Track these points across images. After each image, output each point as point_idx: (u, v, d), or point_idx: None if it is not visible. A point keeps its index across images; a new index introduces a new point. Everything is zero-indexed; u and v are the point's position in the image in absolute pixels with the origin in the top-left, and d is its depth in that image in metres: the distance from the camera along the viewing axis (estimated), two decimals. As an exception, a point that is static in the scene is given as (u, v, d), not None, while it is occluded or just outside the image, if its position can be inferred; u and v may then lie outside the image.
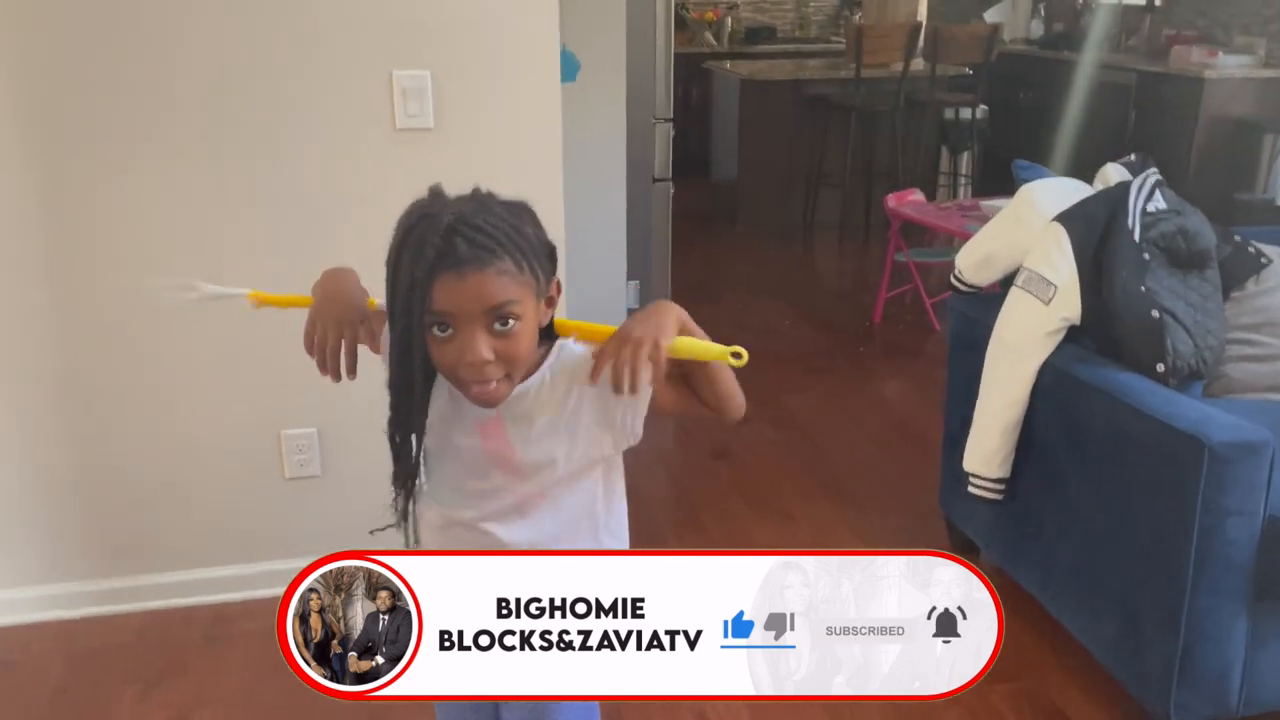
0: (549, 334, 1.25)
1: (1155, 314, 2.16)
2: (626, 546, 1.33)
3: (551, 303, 1.19)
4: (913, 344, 4.57)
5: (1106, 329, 2.20)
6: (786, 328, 4.69)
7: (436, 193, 1.14)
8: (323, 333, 1.22)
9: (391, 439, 1.19)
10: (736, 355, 1.11)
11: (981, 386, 2.37)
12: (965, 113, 6.33)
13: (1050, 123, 6.28)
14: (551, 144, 2.39)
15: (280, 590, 2.45)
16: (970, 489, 2.40)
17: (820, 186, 6.60)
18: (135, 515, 2.45)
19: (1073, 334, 2.26)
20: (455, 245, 1.07)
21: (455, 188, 1.17)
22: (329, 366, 1.21)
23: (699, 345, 1.14)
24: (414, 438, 1.19)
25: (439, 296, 1.07)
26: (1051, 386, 2.23)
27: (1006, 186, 2.74)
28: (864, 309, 4.91)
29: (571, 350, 1.22)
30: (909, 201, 4.61)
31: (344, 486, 2.49)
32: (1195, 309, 2.30)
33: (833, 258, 6.41)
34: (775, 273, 5.89)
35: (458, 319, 1.08)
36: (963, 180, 6.56)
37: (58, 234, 2.25)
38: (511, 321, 1.10)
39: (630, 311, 4.57)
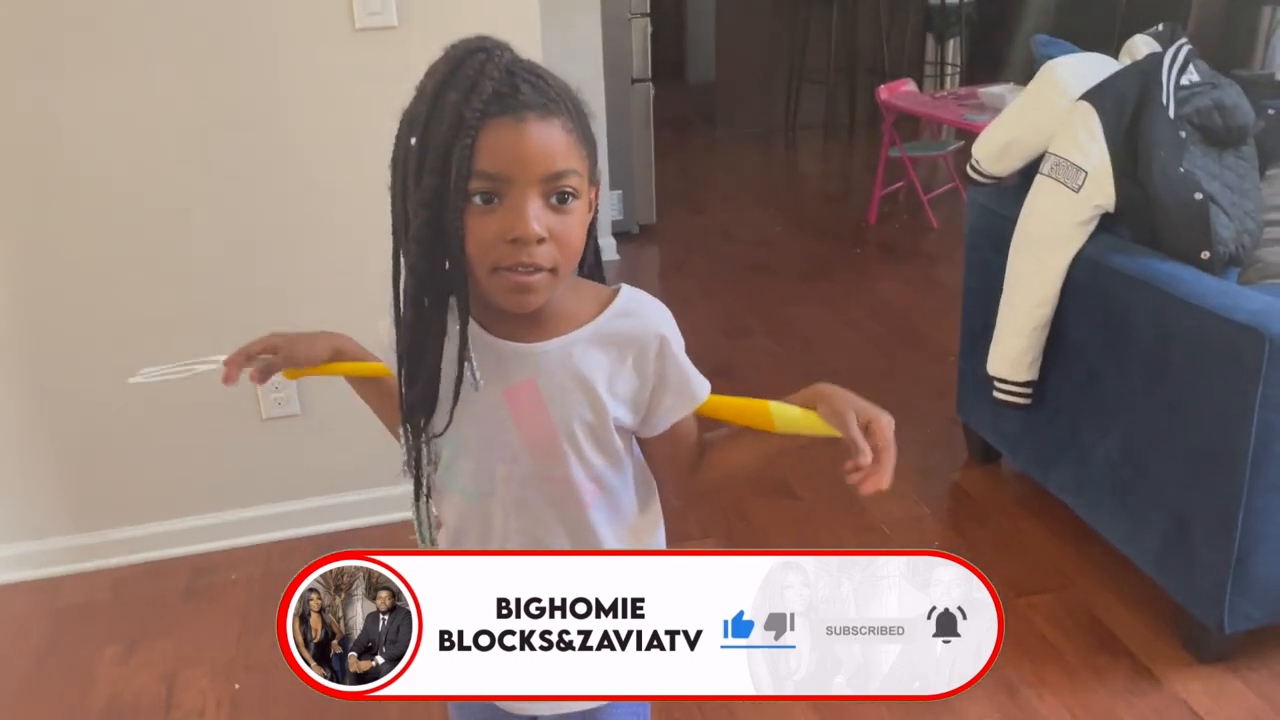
0: (598, 273, 1.05)
1: (1198, 196, 1.99)
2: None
3: (590, 207, 0.95)
4: (910, 243, 4.39)
5: (1144, 216, 2.03)
6: (777, 235, 4.49)
7: (483, 37, 0.89)
8: (266, 347, 1.14)
9: (402, 363, 0.94)
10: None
11: (1006, 285, 2.20)
12: (951, -2, 6.06)
13: (1040, 3, 6.01)
14: (530, 43, 2.16)
15: (262, 537, 2.37)
16: (995, 395, 2.25)
17: (802, 84, 6.34)
18: (104, 466, 2.28)
19: (1105, 223, 2.09)
20: (518, 86, 0.85)
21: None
22: (235, 361, 1.14)
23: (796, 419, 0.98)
24: (430, 359, 0.92)
25: (489, 149, 0.84)
26: (1085, 281, 2.07)
27: (997, 74, 2.54)
28: (856, 210, 4.72)
29: (647, 322, 0.98)
30: (902, 93, 4.39)
31: (326, 425, 2.31)
32: (1232, 190, 2.13)
33: (819, 158, 6.19)
34: (760, 178, 5.68)
35: (509, 182, 0.85)
36: (950, 69, 6.32)
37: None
38: (570, 199, 0.88)
39: (615, 223, 4.39)
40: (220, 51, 2.05)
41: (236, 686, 1.93)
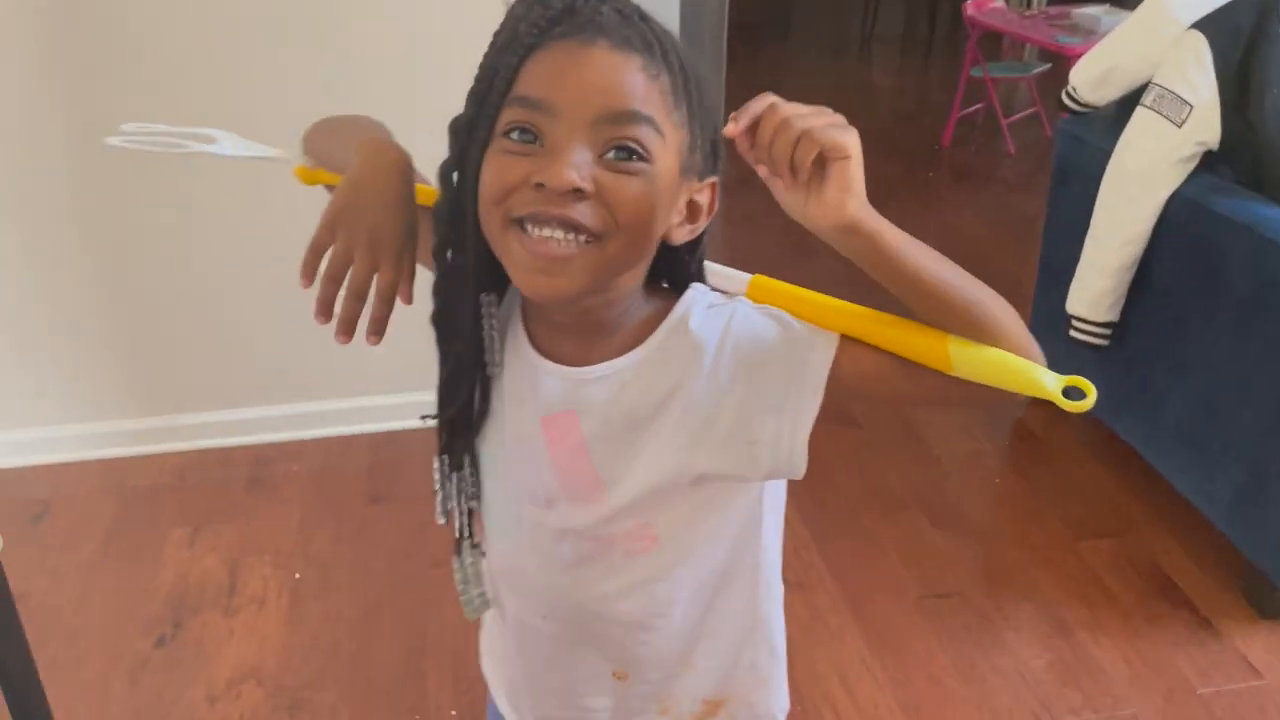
0: (674, 275, 0.78)
1: (1311, 138, 1.88)
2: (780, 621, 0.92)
3: (694, 214, 0.73)
4: (985, 169, 4.25)
5: (1250, 156, 1.93)
6: (848, 151, 4.36)
7: None
8: (344, 253, 0.71)
9: (435, 332, 0.77)
10: (1074, 393, 0.67)
11: (1094, 220, 2.12)
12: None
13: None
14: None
15: (320, 431, 2.40)
16: (1072, 334, 2.18)
17: (882, -5, 6.11)
18: (168, 354, 2.30)
19: (1207, 161, 1.99)
20: (598, 7, 0.67)
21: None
22: (344, 313, 0.71)
23: (991, 362, 0.68)
24: (460, 332, 0.76)
25: (535, 72, 0.66)
26: (1180, 221, 1.98)
27: None
28: (931, 131, 4.56)
29: (707, 316, 0.75)
30: (990, 9, 4.20)
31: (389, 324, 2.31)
32: (1347, 131, 2.01)
33: (894, 74, 5.99)
34: (832, 91, 5.50)
35: (554, 117, 0.66)
36: (1039, -14, 6.03)
37: (63, 62, 1.99)
38: (636, 156, 0.66)
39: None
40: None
41: (297, 576, 1.98)
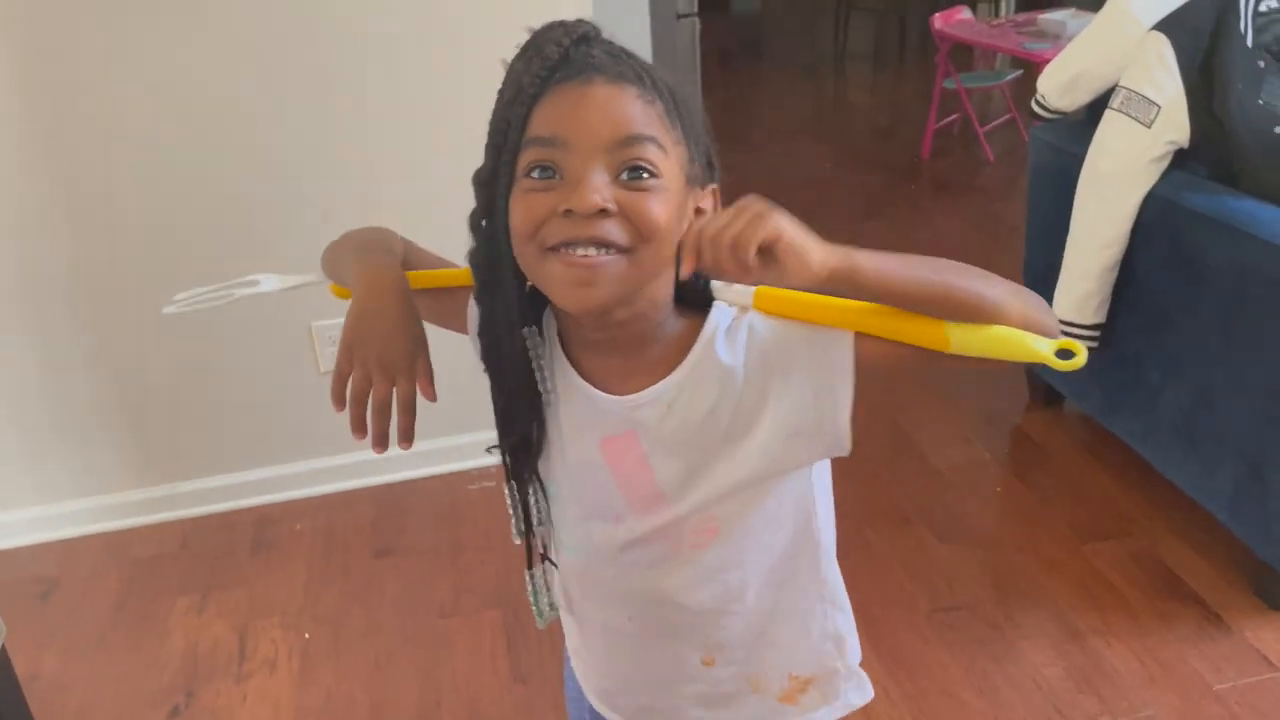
0: (697, 296, 0.83)
1: (1278, 129, 1.90)
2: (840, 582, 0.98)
3: (702, 216, 0.80)
4: (966, 178, 4.29)
5: (1220, 151, 1.95)
6: (828, 171, 4.40)
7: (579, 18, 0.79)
8: (363, 379, 0.79)
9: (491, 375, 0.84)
10: (1065, 354, 0.73)
11: (1073, 224, 2.14)
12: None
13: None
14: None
15: (322, 488, 2.41)
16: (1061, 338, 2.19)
17: (850, 13, 6.17)
18: (167, 421, 2.31)
19: (1179, 159, 2.01)
20: (590, 51, 0.75)
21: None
22: (375, 430, 0.79)
23: (994, 339, 0.73)
24: (508, 368, 0.83)
25: (546, 115, 0.74)
26: (1157, 220, 2.00)
27: None
28: (909, 144, 4.60)
29: (728, 338, 0.81)
30: (957, 21, 4.25)
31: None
32: (1314, 121, 2.03)
33: (868, 90, 6.04)
34: (809, 111, 5.56)
35: (569, 151, 0.73)
36: (1006, -6, 6.10)
37: (57, 124, 2.02)
38: (646, 173, 0.74)
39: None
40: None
41: (306, 636, 1.98)
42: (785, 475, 0.86)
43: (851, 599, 1.00)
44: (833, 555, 0.96)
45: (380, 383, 0.79)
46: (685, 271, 0.72)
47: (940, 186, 4.25)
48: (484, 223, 0.79)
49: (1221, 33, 1.98)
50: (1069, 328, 2.18)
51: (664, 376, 0.81)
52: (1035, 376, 2.53)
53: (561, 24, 0.76)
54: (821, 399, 0.79)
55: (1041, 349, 0.72)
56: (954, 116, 4.52)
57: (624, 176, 0.73)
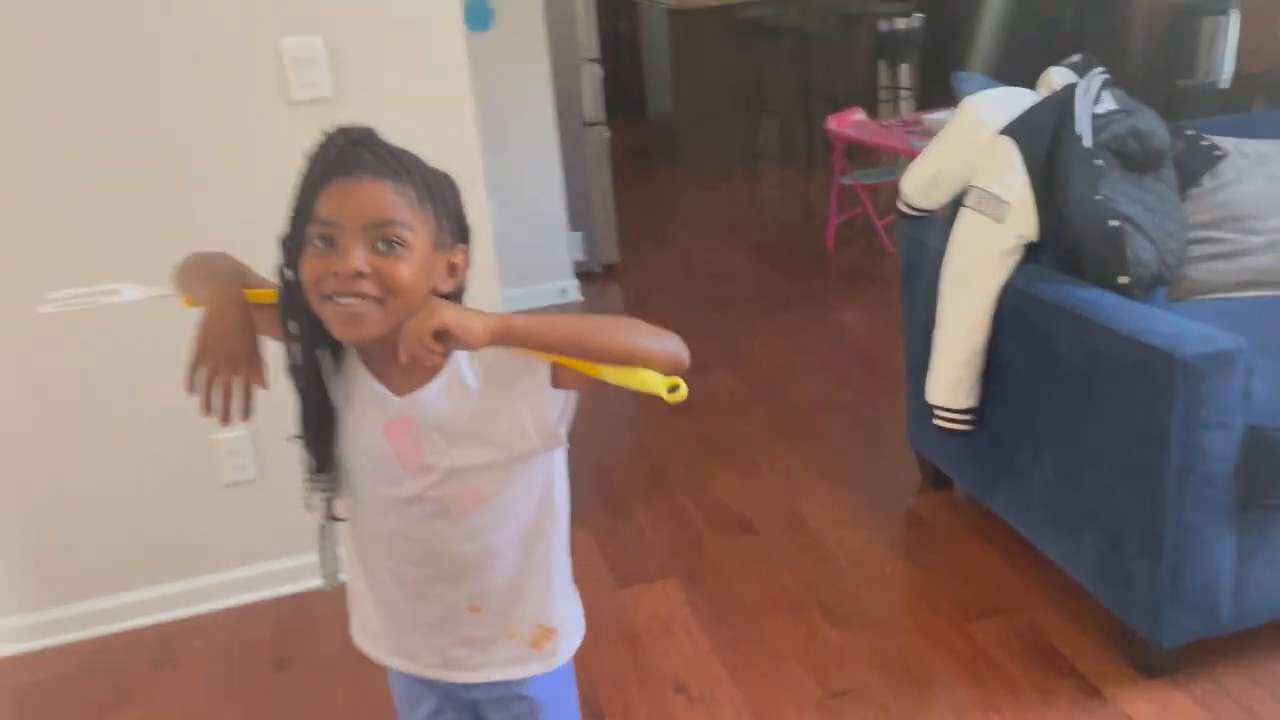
0: None
1: (1114, 223, 2.05)
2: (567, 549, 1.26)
3: (454, 271, 1.10)
4: (867, 269, 4.47)
5: (1064, 244, 2.09)
6: (738, 266, 4.56)
7: (357, 124, 1.08)
8: (213, 372, 1.08)
9: (297, 388, 1.11)
10: (673, 389, 1.02)
11: (938, 315, 2.26)
12: (901, 23, 6.16)
13: (987, 25, 6.12)
14: (462, 101, 2.23)
15: (226, 602, 2.40)
16: (936, 422, 2.30)
17: (760, 115, 6.44)
18: (64, 540, 2.30)
19: (1031, 252, 2.15)
20: (359, 154, 1.03)
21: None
22: (221, 409, 1.08)
23: (627, 374, 1.03)
24: (306, 375, 1.10)
25: (326, 202, 1.02)
26: (1013, 309, 2.13)
27: (949, 97, 2.61)
28: (815, 238, 4.79)
29: (469, 361, 1.12)
30: (851, 122, 4.47)
31: (284, 486, 2.32)
32: (1153, 212, 2.19)
33: (778, 188, 6.28)
34: (721, 209, 5.75)
35: (340, 229, 1.01)
36: (904, 94, 6.41)
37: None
38: (396, 245, 1.02)
39: (578, 264, 4.45)
40: (150, 123, 2.11)
41: (202, 754, 1.96)
42: (529, 461, 1.14)
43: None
44: (567, 529, 1.24)
45: (225, 372, 1.07)
46: (403, 359, 0.99)
47: (843, 278, 4.42)
48: (286, 271, 1.06)
49: (1061, 135, 2.14)
50: (944, 411, 2.28)
51: (429, 382, 1.09)
52: (924, 461, 2.63)
53: (343, 130, 1.04)
54: (534, 404, 1.08)
55: (654, 383, 1.00)
56: (856, 211, 4.72)
57: (380, 247, 1.02)
